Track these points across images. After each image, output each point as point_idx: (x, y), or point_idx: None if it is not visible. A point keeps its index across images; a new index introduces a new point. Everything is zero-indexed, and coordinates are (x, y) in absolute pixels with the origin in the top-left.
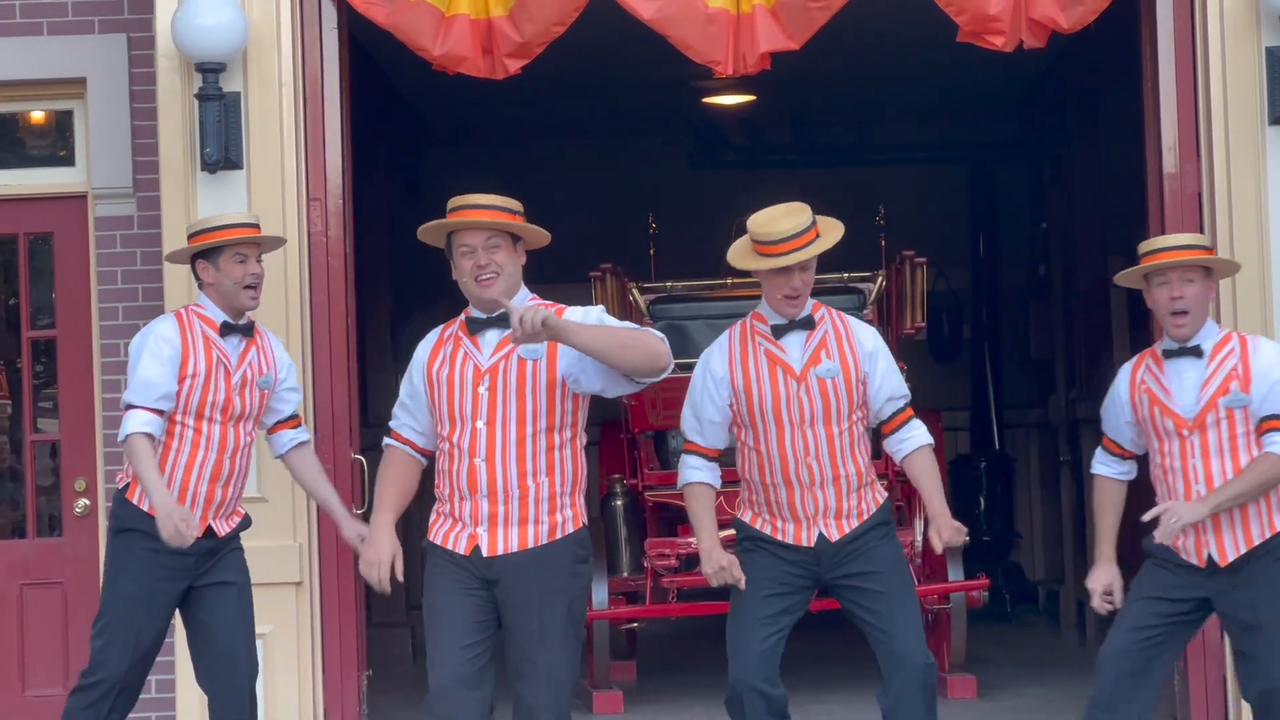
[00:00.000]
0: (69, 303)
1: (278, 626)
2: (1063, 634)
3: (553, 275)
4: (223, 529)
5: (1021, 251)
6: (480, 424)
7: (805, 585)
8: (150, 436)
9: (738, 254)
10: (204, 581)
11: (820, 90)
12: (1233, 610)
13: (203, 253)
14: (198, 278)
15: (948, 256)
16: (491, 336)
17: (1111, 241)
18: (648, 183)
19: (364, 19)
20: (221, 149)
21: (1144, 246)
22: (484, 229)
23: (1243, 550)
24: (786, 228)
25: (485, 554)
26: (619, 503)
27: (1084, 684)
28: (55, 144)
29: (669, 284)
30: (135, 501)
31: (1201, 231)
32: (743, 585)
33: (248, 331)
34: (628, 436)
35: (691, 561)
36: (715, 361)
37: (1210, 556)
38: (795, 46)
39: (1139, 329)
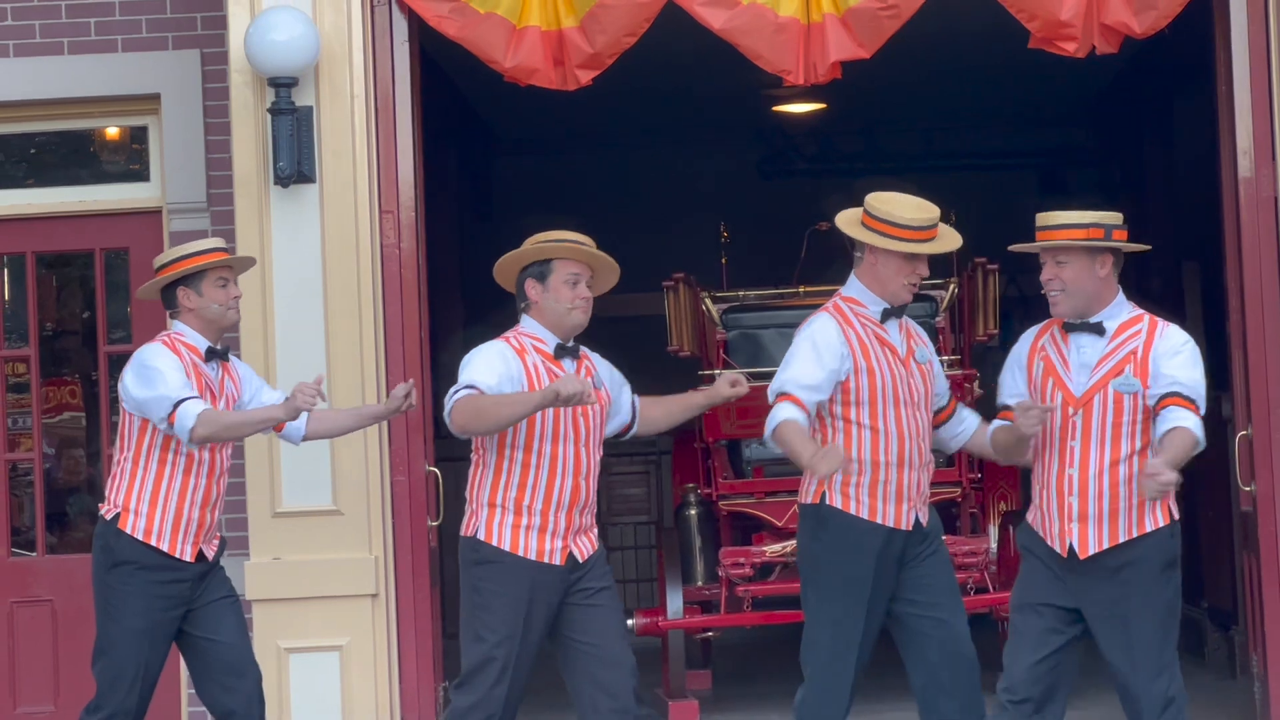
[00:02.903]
0: (144, 317)
1: (355, 639)
2: None
3: (624, 285)
4: (210, 552)
5: None
6: (580, 445)
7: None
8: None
9: (852, 224)
10: (199, 603)
11: (890, 97)
12: (1095, 608)
13: (181, 281)
14: (174, 306)
15: (1019, 262)
16: (568, 364)
17: (1185, 247)
18: (717, 191)
19: (434, 31)
20: (294, 163)
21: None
22: (590, 264)
23: (1105, 545)
24: (931, 216)
25: (579, 560)
26: (693, 512)
27: None
28: (130, 159)
29: (741, 293)
30: (129, 532)
31: (1278, 237)
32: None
33: (225, 356)
34: (701, 446)
35: (766, 570)
36: (830, 333)
37: (1071, 546)
38: (866, 55)
39: (1214, 335)
